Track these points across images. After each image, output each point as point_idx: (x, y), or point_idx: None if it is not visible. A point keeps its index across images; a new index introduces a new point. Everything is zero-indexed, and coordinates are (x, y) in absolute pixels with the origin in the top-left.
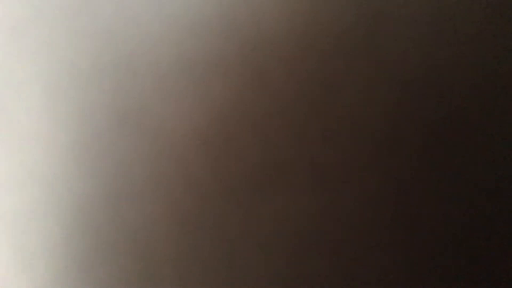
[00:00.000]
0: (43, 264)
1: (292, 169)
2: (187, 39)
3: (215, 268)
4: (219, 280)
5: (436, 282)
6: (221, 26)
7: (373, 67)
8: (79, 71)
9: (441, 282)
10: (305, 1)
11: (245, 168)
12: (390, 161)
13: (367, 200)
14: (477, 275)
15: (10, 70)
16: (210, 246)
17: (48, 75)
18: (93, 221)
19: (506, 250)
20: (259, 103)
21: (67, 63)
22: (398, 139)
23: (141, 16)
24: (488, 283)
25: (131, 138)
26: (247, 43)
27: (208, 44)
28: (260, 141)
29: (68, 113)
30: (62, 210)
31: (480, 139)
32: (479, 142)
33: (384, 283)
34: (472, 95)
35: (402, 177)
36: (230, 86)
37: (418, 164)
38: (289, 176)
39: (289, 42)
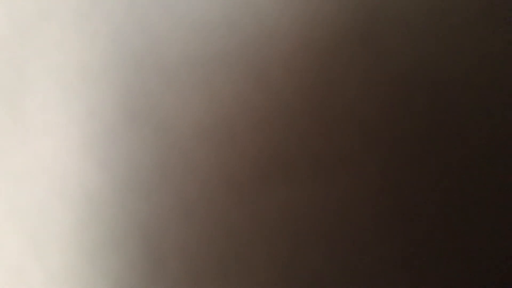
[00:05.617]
0: (55, 254)
1: (293, 163)
2: (192, 40)
3: (220, 258)
4: (224, 269)
5: (434, 274)
6: (226, 27)
7: (371, 65)
8: (90, 69)
9: (439, 272)
10: (306, 2)
11: (249, 162)
12: (388, 154)
13: (365, 191)
14: (472, 261)
15: (24, 68)
16: (216, 236)
17: (60, 72)
18: (103, 212)
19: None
20: (261, 100)
21: (78, 61)
22: (396, 134)
23: (149, 17)
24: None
25: (139, 133)
26: (250, 43)
27: (213, 44)
28: (263, 136)
29: (79, 109)
30: (74, 201)
31: (474, 135)
32: (473, 137)
33: (382, 271)
34: (469, 93)
35: (400, 170)
36: (234, 84)
37: (416, 157)
38: (290, 169)
39: (290, 41)
